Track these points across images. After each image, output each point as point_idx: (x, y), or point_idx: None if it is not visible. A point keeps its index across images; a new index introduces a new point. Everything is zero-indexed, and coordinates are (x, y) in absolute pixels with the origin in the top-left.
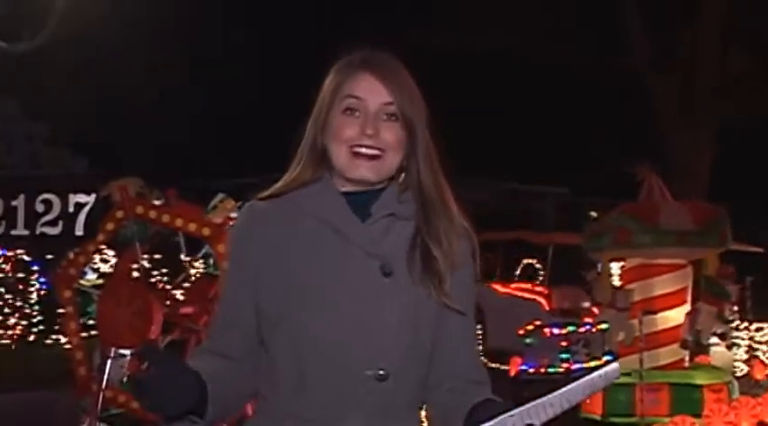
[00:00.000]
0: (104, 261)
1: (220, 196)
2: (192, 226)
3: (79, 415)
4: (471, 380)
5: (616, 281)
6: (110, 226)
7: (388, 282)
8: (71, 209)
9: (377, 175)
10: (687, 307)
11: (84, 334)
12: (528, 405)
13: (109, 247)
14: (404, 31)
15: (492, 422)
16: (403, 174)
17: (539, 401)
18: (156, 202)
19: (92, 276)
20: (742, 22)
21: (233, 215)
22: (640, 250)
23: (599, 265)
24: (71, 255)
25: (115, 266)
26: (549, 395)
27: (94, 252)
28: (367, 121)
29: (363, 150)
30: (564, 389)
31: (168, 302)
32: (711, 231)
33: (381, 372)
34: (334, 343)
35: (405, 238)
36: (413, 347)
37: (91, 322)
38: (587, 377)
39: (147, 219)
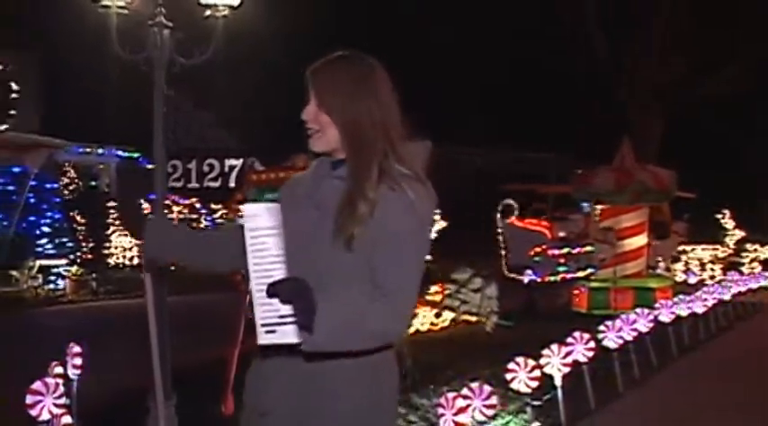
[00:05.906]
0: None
1: None
2: None
3: None
4: None
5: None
6: (290, 173)
7: (318, 215)
8: (226, 170)
9: (317, 148)
10: (645, 236)
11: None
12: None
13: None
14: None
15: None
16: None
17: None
18: None
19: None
20: (681, 34)
21: None
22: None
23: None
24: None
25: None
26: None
27: (268, 177)
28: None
29: (309, 132)
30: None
31: None
32: (668, 192)
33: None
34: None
35: (337, 191)
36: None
37: None
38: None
39: None
